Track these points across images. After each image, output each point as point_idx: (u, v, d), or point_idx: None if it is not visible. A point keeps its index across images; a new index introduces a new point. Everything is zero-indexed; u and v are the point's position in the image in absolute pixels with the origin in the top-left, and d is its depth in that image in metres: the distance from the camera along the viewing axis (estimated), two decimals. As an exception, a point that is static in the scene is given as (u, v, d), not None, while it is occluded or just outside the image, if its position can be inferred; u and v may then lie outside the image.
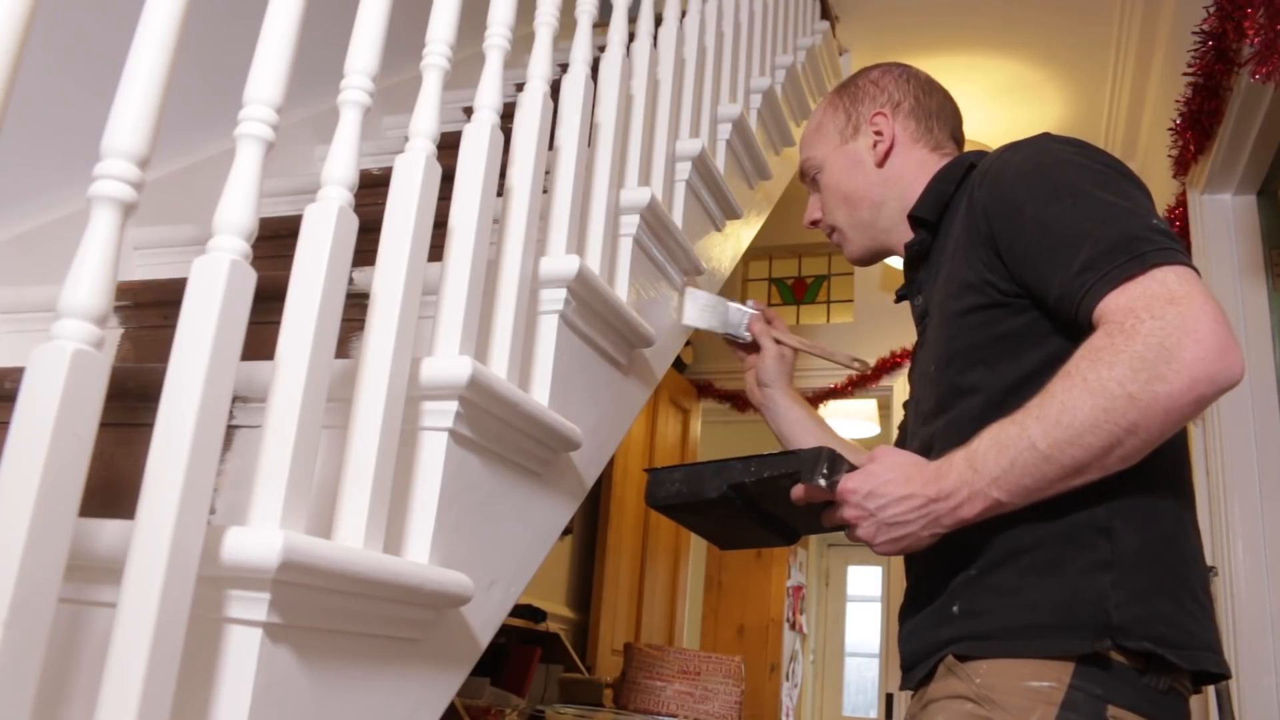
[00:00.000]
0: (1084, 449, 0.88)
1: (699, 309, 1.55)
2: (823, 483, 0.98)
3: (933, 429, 1.11)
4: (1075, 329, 0.96)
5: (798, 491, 1.01)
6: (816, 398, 4.31)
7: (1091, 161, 1.02)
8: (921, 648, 1.04)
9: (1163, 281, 0.89)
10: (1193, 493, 1.04)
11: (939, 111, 1.30)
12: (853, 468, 1.00)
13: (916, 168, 1.26)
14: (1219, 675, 0.97)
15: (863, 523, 0.98)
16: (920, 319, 1.22)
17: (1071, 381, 0.89)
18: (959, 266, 1.09)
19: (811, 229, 1.39)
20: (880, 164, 1.27)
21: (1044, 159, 1.04)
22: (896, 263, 4.08)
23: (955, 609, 1.00)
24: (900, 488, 0.96)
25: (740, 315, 1.51)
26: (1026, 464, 0.90)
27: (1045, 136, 1.09)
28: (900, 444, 1.31)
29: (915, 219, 1.21)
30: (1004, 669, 0.94)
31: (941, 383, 1.10)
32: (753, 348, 1.53)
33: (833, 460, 0.98)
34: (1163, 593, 0.95)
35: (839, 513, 1.00)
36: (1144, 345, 0.86)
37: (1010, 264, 1.02)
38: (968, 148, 1.31)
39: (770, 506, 1.08)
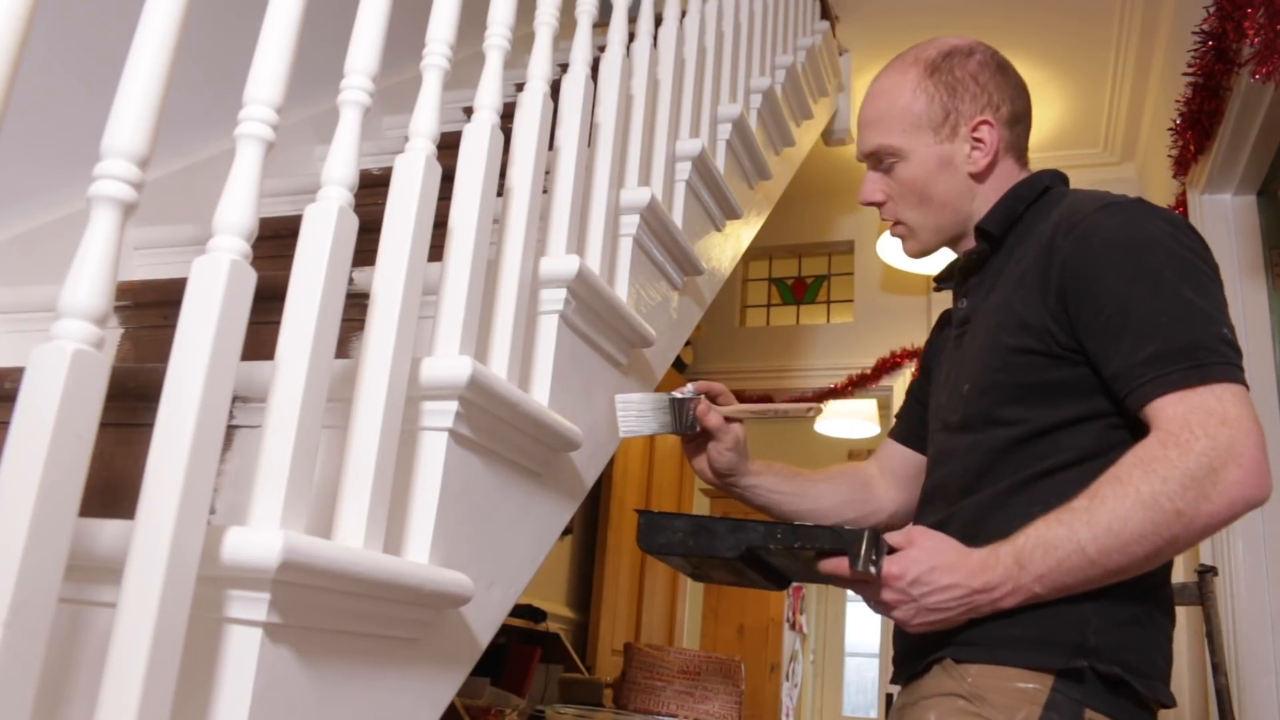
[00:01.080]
0: (1128, 557, 0.94)
1: (635, 416, 1.30)
2: (872, 570, 0.98)
3: (956, 443, 1.14)
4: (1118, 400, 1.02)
5: (834, 568, 1.00)
6: (816, 398, 4.31)
7: (1181, 248, 1.04)
8: (917, 645, 1.08)
9: (1220, 399, 0.95)
10: None
11: (1025, 114, 1.24)
12: (891, 549, 1.01)
13: (1003, 180, 1.21)
14: (1167, 706, 1.04)
15: (901, 605, 1.00)
16: (960, 324, 1.23)
17: (1124, 490, 0.94)
18: (1020, 302, 1.09)
19: (867, 207, 1.30)
20: (979, 176, 1.20)
21: (1137, 234, 1.05)
22: (899, 262, 4.08)
23: None
24: (945, 576, 0.98)
25: (684, 407, 1.29)
26: (1072, 566, 0.96)
27: (1141, 205, 1.08)
28: (902, 429, 1.38)
29: (981, 231, 1.20)
30: (993, 672, 1.00)
31: (972, 405, 1.13)
32: (701, 435, 1.33)
33: (876, 544, 0.98)
34: (1139, 626, 1.02)
35: (879, 594, 1.01)
36: (1196, 464, 0.92)
37: (1075, 324, 1.04)
38: None
39: (775, 560, 1.07)
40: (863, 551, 0.97)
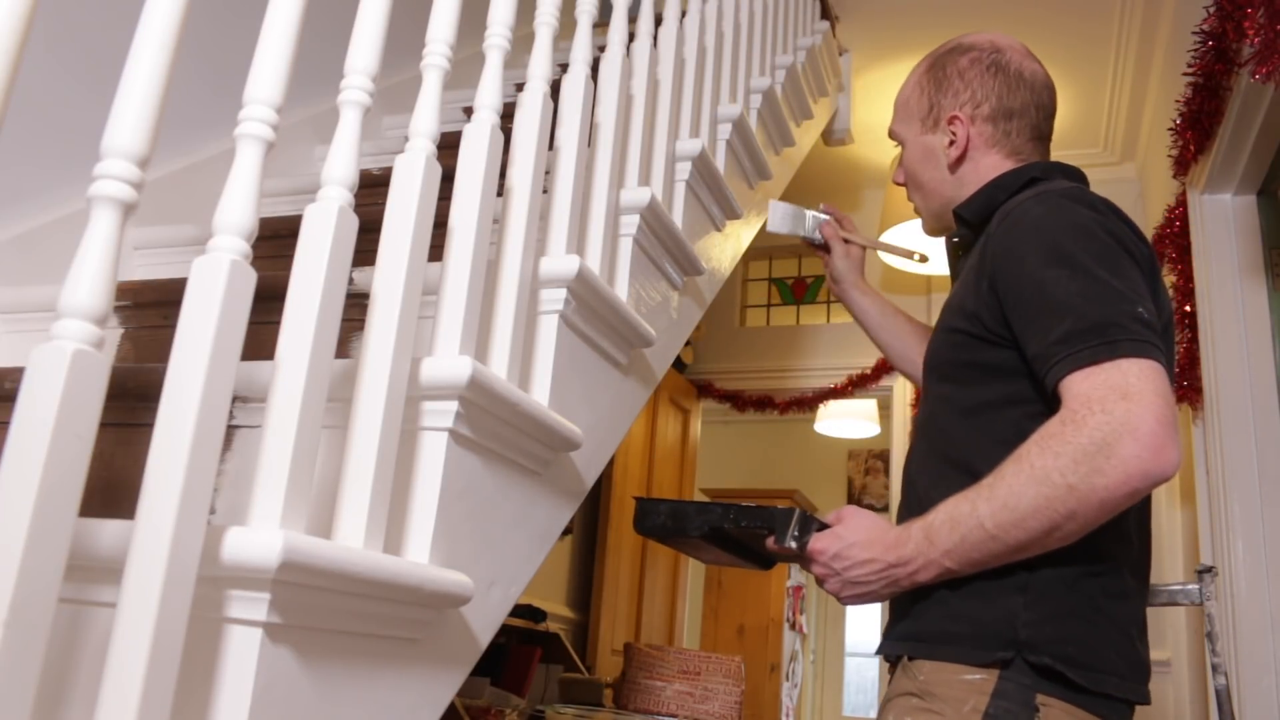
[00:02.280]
0: (1026, 531, 0.96)
1: (779, 217, 1.68)
2: (793, 545, 1.08)
3: (919, 419, 1.23)
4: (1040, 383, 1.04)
5: (771, 544, 1.10)
6: (816, 398, 4.31)
7: (1103, 231, 1.06)
8: (890, 642, 1.14)
9: (1124, 374, 0.95)
10: (1137, 539, 1.10)
11: (1021, 111, 1.28)
12: (822, 526, 1.09)
13: (988, 172, 1.26)
14: (1134, 702, 1.05)
15: (829, 579, 1.08)
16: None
17: (1020, 467, 0.96)
18: (965, 288, 1.15)
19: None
20: (953, 167, 1.29)
21: (1059, 219, 1.08)
22: (899, 261, 4.08)
23: (911, 611, 1.10)
24: (863, 552, 1.05)
25: (815, 221, 1.67)
26: (975, 541, 0.98)
27: (1071, 193, 1.11)
28: None
29: (957, 216, 1.26)
30: (940, 667, 1.04)
31: (925, 384, 1.21)
32: (826, 248, 1.65)
33: (803, 522, 1.08)
34: (1077, 618, 1.02)
35: (808, 567, 1.11)
36: (1088, 439, 0.93)
37: (1004, 309, 1.08)
38: None
39: (749, 543, 1.17)
40: (788, 530, 1.08)
